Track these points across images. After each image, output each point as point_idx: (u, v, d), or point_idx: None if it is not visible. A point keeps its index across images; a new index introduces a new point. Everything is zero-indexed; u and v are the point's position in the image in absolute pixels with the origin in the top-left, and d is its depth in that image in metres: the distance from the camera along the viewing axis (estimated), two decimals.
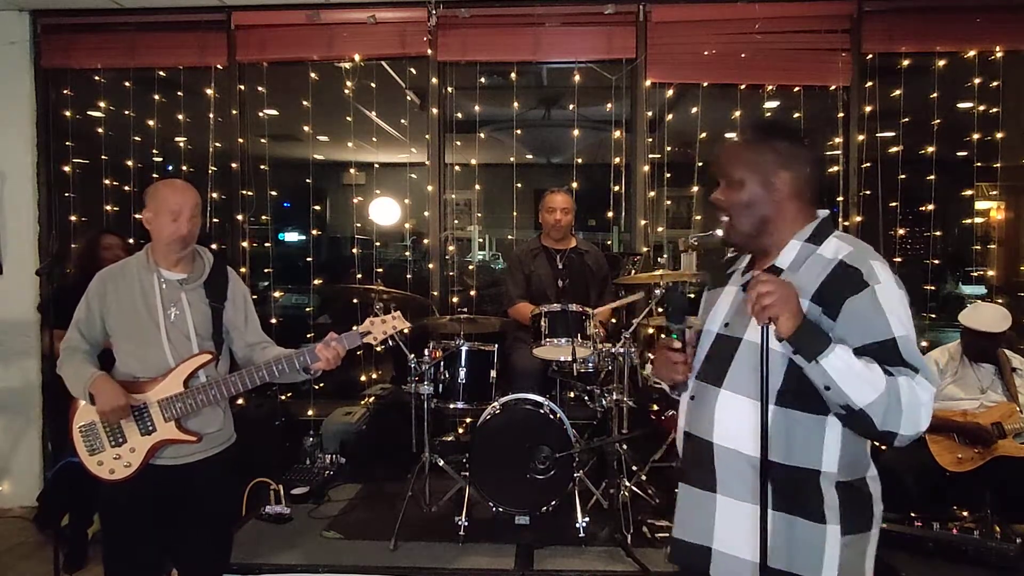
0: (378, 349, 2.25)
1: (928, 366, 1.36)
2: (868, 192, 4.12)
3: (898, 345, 1.32)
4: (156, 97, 4.38)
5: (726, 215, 1.51)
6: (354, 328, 2.24)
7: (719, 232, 1.56)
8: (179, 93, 4.41)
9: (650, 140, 4.26)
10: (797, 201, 1.47)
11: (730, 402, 1.44)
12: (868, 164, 4.12)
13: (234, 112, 4.35)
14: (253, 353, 2.32)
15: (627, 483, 3.29)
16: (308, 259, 4.95)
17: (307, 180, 4.74)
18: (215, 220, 4.43)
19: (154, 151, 4.43)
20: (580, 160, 4.58)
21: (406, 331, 2.36)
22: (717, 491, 1.44)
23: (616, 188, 4.28)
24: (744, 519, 1.41)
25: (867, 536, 1.42)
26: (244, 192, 4.42)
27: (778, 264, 1.47)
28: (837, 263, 1.39)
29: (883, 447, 1.54)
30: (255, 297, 4.83)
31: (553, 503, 3.11)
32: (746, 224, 1.48)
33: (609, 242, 6.14)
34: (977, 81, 4.07)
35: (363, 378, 4.60)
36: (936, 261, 4.38)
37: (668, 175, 4.33)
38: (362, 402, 4.36)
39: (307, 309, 5.01)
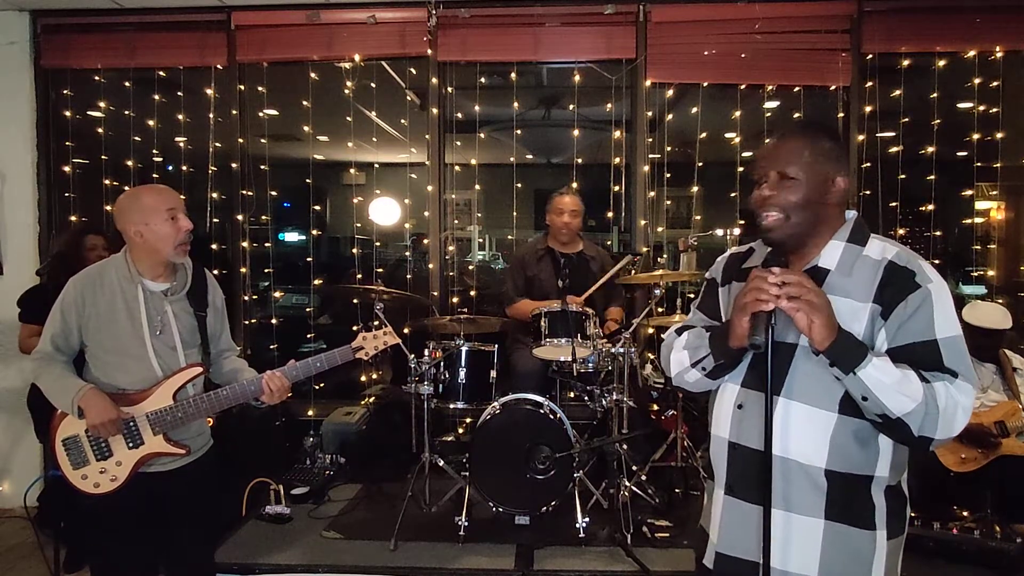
0: (367, 360, 2.29)
1: (971, 368, 1.35)
2: (868, 192, 4.12)
3: (940, 347, 1.33)
4: (156, 97, 4.38)
5: (781, 212, 1.41)
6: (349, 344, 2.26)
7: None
8: (179, 93, 4.41)
9: (650, 140, 4.26)
10: (841, 203, 1.46)
11: (791, 411, 1.39)
12: (868, 164, 4.12)
13: (234, 112, 4.35)
14: (220, 361, 2.32)
15: (627, 483, 3.29)
16: (308, 259, 4.95)
17: (307, 180, 4.74)
18: (215, 220, 4.43)
19: (154, 151, 4.43)
20: (580, 160, 4.58)
21: (403, 330, 2.37)
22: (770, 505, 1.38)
23: (616, 188, 4.28)
24: (800, 533, 1.38)
25: (902, 538, 1.43)
26: (244, 192, 4.42)
27: (822, 264, 1.43)
28: (887, 264, 1.39)
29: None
30: (255, 297, 4.84)
31: (553, 503, 3.11)
32: (798, 224, 1.42)
33: (609, 242, 6.14)
34: (977, 81, 4.07)
35: (363, 378, 4.60)
36: (936, 261, 4.37)
37: (668, 175, 4.32)
38: (362, 402, 4.36)
39: (307, 309, 5.01)
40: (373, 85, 4.30)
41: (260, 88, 4.38)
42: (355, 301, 4.11)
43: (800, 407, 1.38)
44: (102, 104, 4.41)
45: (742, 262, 1.61)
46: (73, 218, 4.38)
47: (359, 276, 4.55)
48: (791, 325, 1.36)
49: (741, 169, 4.25)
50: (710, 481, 1.58)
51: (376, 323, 2.30)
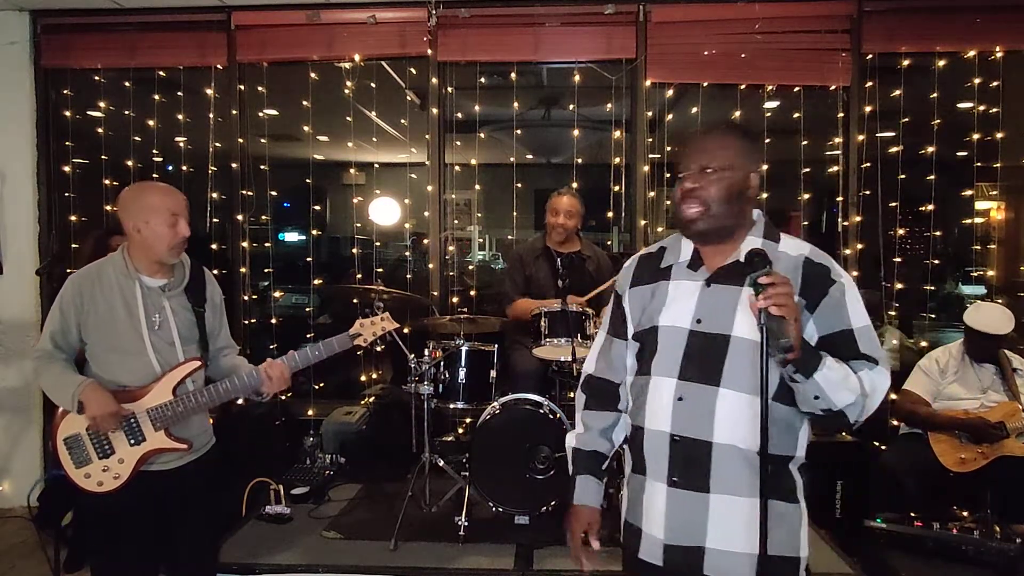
0: (377, 349, 2.27)
1: (883, 352, 1.49)
2: (868, 192, 4.11)
3: (855, 336, 1.46)
4: (156, 97, 4.38)
5: (702, 204, 1.48)
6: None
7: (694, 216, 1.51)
8: (179, 93, 4.41)
9: (650, 140, 4.26)
10: (754, 200, 1.55)
11: (731, 400, 1.45)
12: (868, 164, 4.12)
13: (234, 112, 4.35)
14: (219, 358, 2.32)
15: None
16: (308, 259, 4.95)
17: (307, 180, 4.74)
18: (215, 220, 4.43)
19: (154, 151, 4.43)
20: (580, 160, 4.58)
21: (403, 330, 2.37)
22: (711, 491, 1.47)
23: (616, 188, 4.28)
24: (739, 513, 1.46)
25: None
26: (244, 192, 4.42)
27: (744, 260, 1.47)
28: (804, 260, 1.49)
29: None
30: (255, 297, 4.84)
31: (553, 503, 3.10)
32: (719, 216, 1.49)
33: (609, 242, 6.14)
34: (977, 81, 4.06)
35: (363, 378, 4.60)
36: (936, 261, 4.37)
37: (668, 175, 4.32)
38: (362, 402, 4.36)
39: (307, 309, 5.01)
40: (373, 85, 4.30)
41: (260, 88, 4.38)
42: (355, 301, 4.11)
43: (737, 395, 1.45)
44: (102, 104, 4.41)
45: (658, 261, 1.64)
46: (73, 218, 4.38)
47: (359, 276, 4.55)
48: (727, 315, 1.46)
49: None
50: (637, 475, 1.60)
51: (382, 307, 2.29)
